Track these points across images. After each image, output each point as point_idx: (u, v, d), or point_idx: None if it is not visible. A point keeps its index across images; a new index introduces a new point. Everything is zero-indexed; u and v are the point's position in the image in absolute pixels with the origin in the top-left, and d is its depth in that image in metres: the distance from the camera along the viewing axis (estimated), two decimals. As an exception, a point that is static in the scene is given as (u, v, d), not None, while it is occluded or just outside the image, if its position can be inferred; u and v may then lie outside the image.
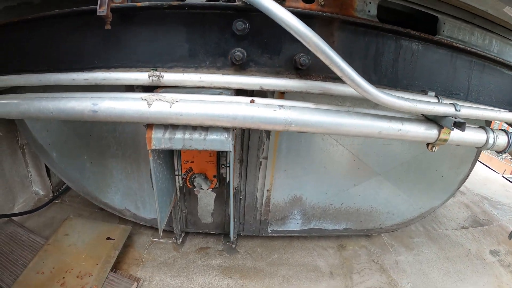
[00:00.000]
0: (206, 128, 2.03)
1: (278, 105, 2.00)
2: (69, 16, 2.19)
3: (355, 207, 3.39)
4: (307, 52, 2.14)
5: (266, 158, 2.88)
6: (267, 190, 3.06)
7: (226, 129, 2.03)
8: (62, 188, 4.13)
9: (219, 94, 2.13)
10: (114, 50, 2.24)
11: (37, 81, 2.31)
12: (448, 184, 3.53)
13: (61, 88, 2.22)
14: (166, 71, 2.14)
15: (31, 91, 2.31)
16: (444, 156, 3.33)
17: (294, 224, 3.36)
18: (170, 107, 1.91)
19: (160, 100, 1.93)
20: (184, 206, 3.18)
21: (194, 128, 2.03)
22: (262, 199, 3.13)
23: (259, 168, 2.95)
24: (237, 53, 2.13)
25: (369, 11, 2.30)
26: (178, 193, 2.97)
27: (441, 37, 2.43)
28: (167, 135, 2.03)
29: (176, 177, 2.80)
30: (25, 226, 3.53)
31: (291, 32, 1.82)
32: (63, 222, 3.40)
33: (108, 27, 2.04)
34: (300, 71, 2.26)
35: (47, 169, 3.93)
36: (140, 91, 2.32)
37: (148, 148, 2.07)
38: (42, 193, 4.04)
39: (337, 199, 3.28)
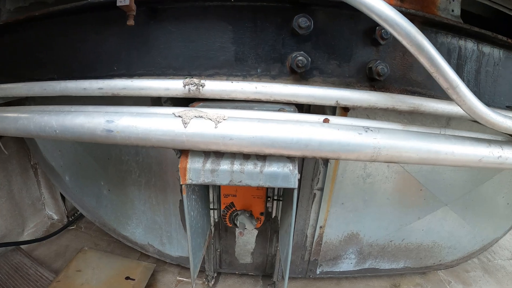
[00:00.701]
0: (263, 157, 1.38)
1: (363, 127, 1.34)
2: (83, 11, 1.63)
3: (416, 243, 2.70)
4: (384, 58, 1.61)
5: (321, 189, 2.21)
6: (320, 226, 2.38)
7: (290, 158, 1.38)
8: (77, 213, 3.50)
9: (278, 110, 1.48)
10: (138, 54, 1.65)
11: (41, 91, 1.74)
12: (513, 212, 2.83)
13: (76, 101, 1.68)
14: (207, 80, 1.50)
15: (42, 103, 1.76)
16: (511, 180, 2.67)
17: (347, 265, 2.67)
18: (216, 127, 1.27)
19: (201, 117, 1.30)
20: (218, 244, 2.49)
21: (247, 156, 1.38)
22: (313, 237, 2.44)
23: (312, 201, 2.27)
24: (300, 57, 1.51)
25: (452, 11, 1.79)
26: (213, 229, 2.30)
27: (526, 44, 1.85)
28: (208, 165, 1.38)
29: (211, 211, 2.14)
30: (33, 255, 2.96)
31: (389, 28, 1.22)
32: (76, 255, 2.77)
33: (131, 22, 1.47)
34: (375, 83, 1.65)
35: (62, 191, 3.31)
36: (170, 106, 1.72)
37: (181, 183, 1.43)
38: (56, 217, 3.43)
39: (398, 235, 2.59)
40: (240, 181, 1.37)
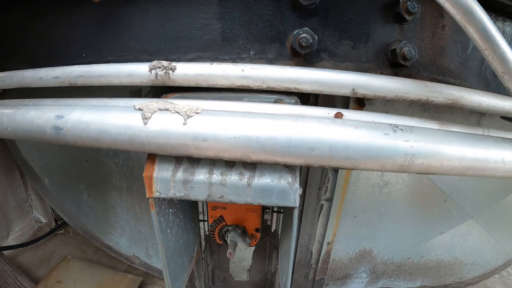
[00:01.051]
0: (252, 165, 0.97)
1: (390, 124, 0.93)
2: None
3: (436, 260, 2.25)
4: (409, 39, 1.24)
5: (330, 200, 1.77)
6: (328, 243, 1.95)
7: (288, 167, 0.97)
8: (66, 217, 3.13)
9: (274, 102, 1.08)
10: (108, 37, 1.30)
11: (-2, 83, 1.40)
12: (539, 222, 2.39)
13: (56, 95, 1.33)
14: (180, 63, 1.11)
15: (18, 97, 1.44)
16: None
17: (358, 284, 2.24)
18: (185, 123, 0.87)
19: (167, 110, 0.90)
20: (210, 260, 2.06)
21: (230, 164, 0.98)
22: (320, 255, 2.01)
23: (319, 213, 1.84)
24: (303, 35, 1.12)
25: (490, -17, 1.37)
26: (203, 243, 1.89)
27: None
28: (179, 174, 0.99)
29: (201, 222, 1.75)
30: (17, 261, 2.65)
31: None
32: (58, 265, 2.42)
33: (96, -1, 1.10)
34: (399, 69, 1.27)
35: (50, 192, 2.94)
36: (138, 98, 1.34)
37: (147, 196, 1.04)
38: (44, 220, 3.07)
39: (417, 252, 2.15)
40: (222, 197, 0.98)
